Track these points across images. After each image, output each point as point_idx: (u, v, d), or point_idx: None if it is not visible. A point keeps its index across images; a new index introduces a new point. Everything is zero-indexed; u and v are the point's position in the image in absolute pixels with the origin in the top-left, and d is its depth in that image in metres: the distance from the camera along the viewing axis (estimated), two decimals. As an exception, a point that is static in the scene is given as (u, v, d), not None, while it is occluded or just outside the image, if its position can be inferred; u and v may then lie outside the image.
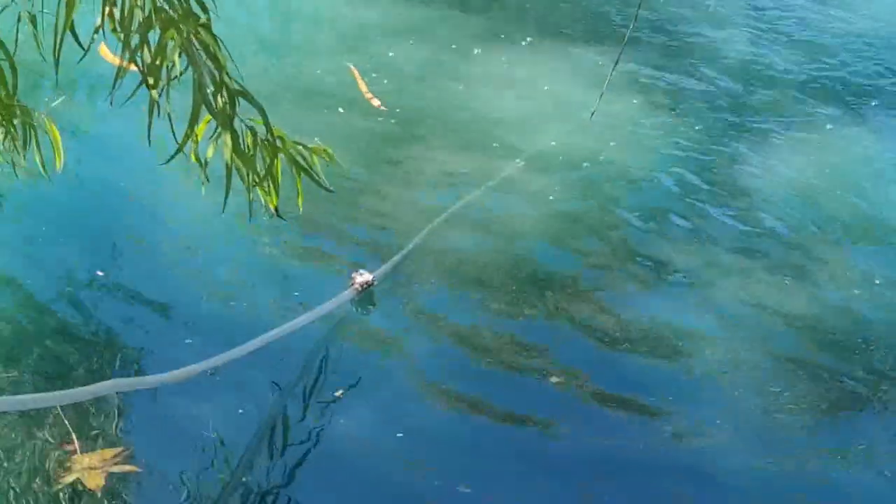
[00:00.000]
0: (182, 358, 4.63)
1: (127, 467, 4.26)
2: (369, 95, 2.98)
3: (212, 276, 5.77)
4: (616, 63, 5.08)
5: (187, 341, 5.12)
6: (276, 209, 3.29)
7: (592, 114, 5.68)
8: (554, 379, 5.14)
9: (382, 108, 3.31)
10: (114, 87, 3.04)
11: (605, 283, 5.96)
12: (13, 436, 4.41)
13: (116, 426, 4.54)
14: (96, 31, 3.05)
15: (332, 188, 3.43)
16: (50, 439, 4.39)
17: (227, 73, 3.05)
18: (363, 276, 5.50)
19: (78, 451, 4.29)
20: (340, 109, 7.57)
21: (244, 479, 4.40)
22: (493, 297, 5.75)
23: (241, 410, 4.79)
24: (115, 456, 4.31)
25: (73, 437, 4.35)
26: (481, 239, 6.25)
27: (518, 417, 4.95)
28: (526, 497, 4.52)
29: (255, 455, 4.56)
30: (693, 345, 5.41)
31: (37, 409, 4.51)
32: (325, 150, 3.36)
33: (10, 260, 5.77)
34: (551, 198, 6.72)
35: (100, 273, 5.70)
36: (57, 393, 4.20)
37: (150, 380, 4.30)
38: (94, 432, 4.47)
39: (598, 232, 6.42)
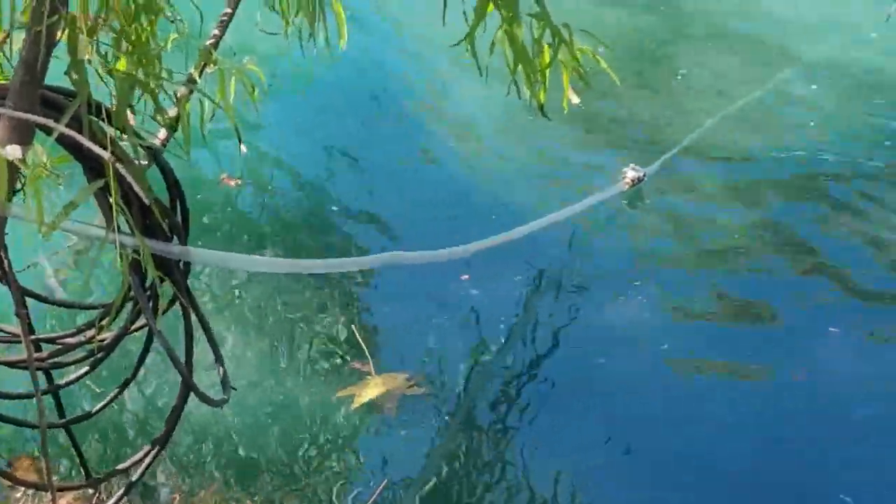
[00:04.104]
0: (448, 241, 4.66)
1: (419, 390, 4.29)
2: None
3: (481, 163, 5.80)
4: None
5: (457, 224, 5.17)
6: (542, 107, 3.24)
7: (888, 17, 5.36)
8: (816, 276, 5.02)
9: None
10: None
11: (878, 196, 5.67)
12: (311, 350, 4.53)
13: (399, 347, 4.60)
14: None
15: (593, 88, 3.32)
16: (347, 358, 4.47)
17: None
18: (635, 171, 5.44)
19: (374, 373, 4.36)
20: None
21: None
22: (764, 199, 5.60)
23: (495, 297, 4.82)
24: (408, 379, 4.33)
25: (370, 358, 4.42)
26: (754, 142, 6.08)
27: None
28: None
29: (510, 348, 4.60)
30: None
31: (313, 273, 4.65)
32: (594, 54, 3.27)
33: (283, 137, 5.96)
34: (825, 107, 6.48)
35: (366, 155, 5.86)
36: (335, 260, 4.25)
37: (427, 255, 4.33)
38: (387, 354, 4.53)
39: (875, 142, 6.14)
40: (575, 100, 3.19)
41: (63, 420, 3.18)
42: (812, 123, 6.28)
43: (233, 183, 5.51)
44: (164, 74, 2.62)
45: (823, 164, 5.88)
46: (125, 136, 2.54)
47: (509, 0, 2.98)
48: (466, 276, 4.83)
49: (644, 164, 5.54)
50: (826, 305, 4.82)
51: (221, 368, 2.89)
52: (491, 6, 2.95)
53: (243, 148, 5.43)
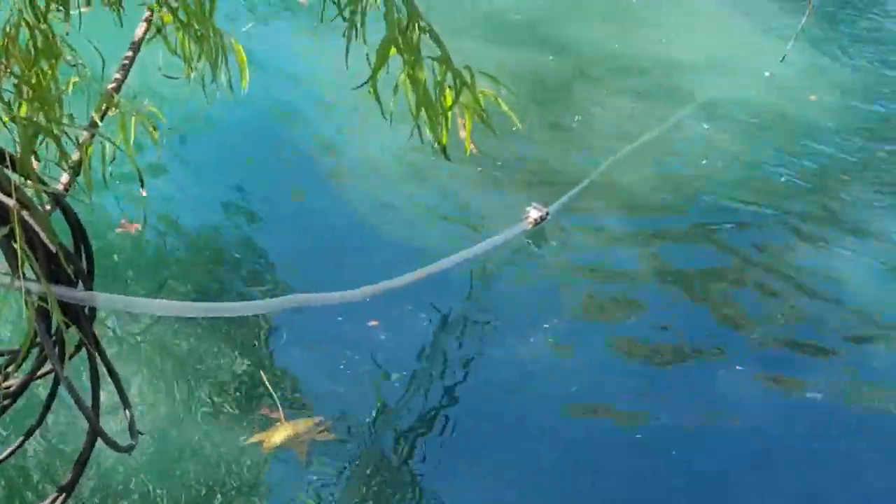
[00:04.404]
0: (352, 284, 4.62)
1: (329, 436, 4.29)
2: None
3: (386, 205, 5.84)
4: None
5: (362, 266, 5.18)
6: (444, 148, 3.29)
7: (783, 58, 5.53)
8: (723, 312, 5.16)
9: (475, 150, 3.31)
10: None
11: (770, 231, 5.88)
12: (219, 396, 4.50)
13: (308, 392, 4.59)
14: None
15: (496, 131, 3.37)
16: (256, 404, 4.46)
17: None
18: (538, 210, 5.51)
19: (283, 419, 4.34)
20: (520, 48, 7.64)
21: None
22: (663, 236, 5.73)
23: (401, 339, 4.86)
24: (317, 425, 4.33)
25: (278, 404, 4.41)
26: (654, 180, 6.21)
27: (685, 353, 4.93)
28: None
29: (419, 392, 4.63)
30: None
31: (218, 317, 4.63)
32: (495, 96, 3.32)
33: (185, 180, 5.95)
34: (717, 145, 6.65)
35: (269, 197, 5.90)
36: (237, 304, 4.21)
37: (330, 297, 4.34)
38: (295, 399, 4.53)
39: (766, 181, 6.32)
40: (469, 142, 3.25)
41: (-34, 470, 3.14)
42: (704, 162, 6.43)
43: (132, 229, 5.46)
44: (65, 119, 2.62)
45: (715, 203, 6.04)
46: (29, 182, 2.54)
47: (411, 44, 3.03)
48: (374, 322, 4.85)
49: (547, 203, 5.62)
50: (728, 347, 4.96)
51: (129, 413, 2.87)
52: (393, 50, 3.00)
53: (143, 192, 5.44)
